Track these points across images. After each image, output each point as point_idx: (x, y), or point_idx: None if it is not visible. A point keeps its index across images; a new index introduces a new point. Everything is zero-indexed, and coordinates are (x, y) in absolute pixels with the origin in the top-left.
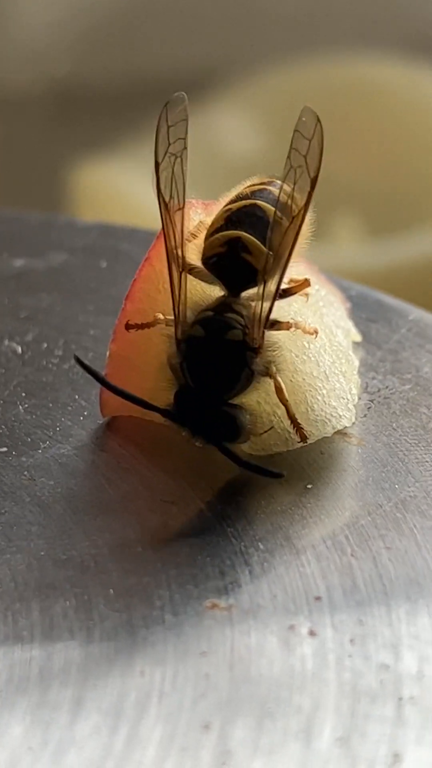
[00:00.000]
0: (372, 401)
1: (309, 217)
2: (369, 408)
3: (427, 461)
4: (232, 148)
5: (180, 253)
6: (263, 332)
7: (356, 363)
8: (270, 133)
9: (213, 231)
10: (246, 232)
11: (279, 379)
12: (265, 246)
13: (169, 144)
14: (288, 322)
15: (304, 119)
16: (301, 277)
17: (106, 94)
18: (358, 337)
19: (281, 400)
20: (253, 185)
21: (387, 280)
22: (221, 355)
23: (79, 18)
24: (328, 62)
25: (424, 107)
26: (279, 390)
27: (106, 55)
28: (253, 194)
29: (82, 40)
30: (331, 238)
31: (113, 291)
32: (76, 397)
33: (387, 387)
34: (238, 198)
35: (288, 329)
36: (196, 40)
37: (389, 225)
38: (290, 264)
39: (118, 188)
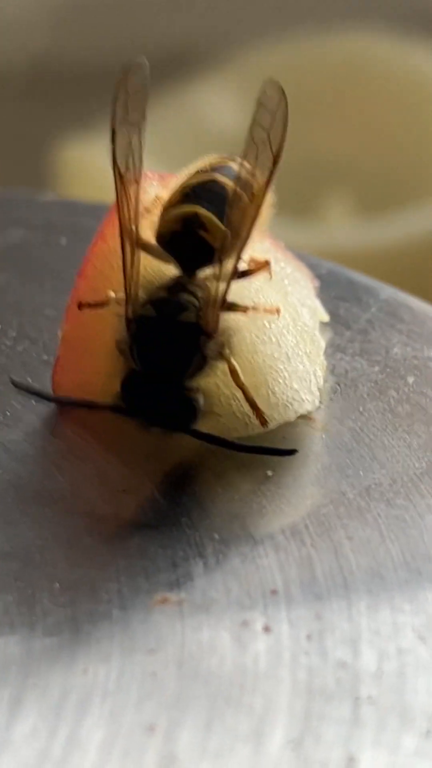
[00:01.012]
0: (338, 384)
1: (270, 195)
2: (335, 391)
3: (393, 447)
4: (218, 125)
5: (134, 228)
6: (218, 315)
7: (323, 344)
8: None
9: (169, 206)
10: (204, 208)
11: (233, 362)
12: (223, 223)
13: (128, 112)
14: (246, 306)
15: (267, 92)
16: (262, 258)
17: (86, 69)
18: (325, 317)
19: (237, 384)
20: (213, 161)
21: (378, 259)
22: (172, 338)
23: None
24: (318, 38)
25: (417, 83)
26: (234, 373)
27: (87, 30)
28: (212, 169)
29: (61, 13)
30: (322, 216)
31: (72, 269)
32: (29, 379)
33: (355, 369)
34: (198, 173)
35: (245, 312)
36: (182, 14)
37: (381, 203)
38: (250, 243)
39: (99, 165)
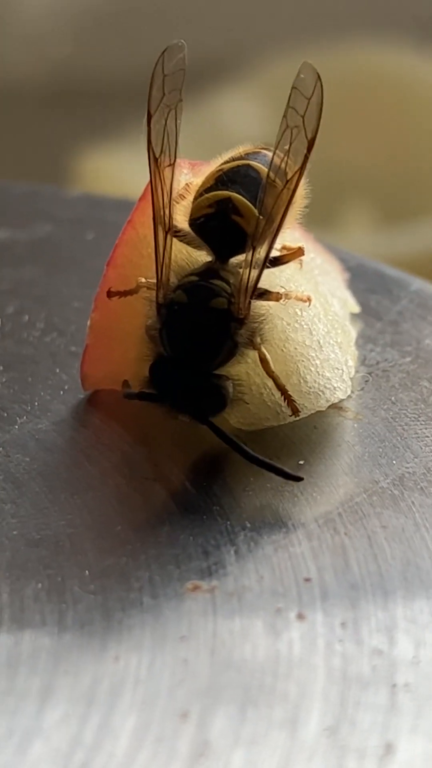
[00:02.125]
0: (370, 374)
1: (304, 182)
2: (367, 381)
3: (426, 436)
4: (239, 133)
5: (167, 212)
6: (249, 302)
7: (353, 334)
8: (278, 121)
9: (202, 191)
10: (237, 192)
11: (264, 350)
12: (256, 208)
13: (164, 95)
14: (278, 293)
15: (303, 76)
16: (294, 245)
17: (107, 79)
18: (356, 308)
19: (267, 373)
20: (248, 149)
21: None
22: (203, 324)
23: (82, 3)
24: (337, 49)
25: None
26: (264, 362)
27: (108, 41)
28: (247, 156)
29: (83, 25)
30: (341, 225)
31: (99, 263)
32: (57, 370)
33: (386, 359)
34: (231, 160)
35: (278, 300)
36: (202, 26)
37: (399, 212)
38: (283, 230)
39: (119, 176)
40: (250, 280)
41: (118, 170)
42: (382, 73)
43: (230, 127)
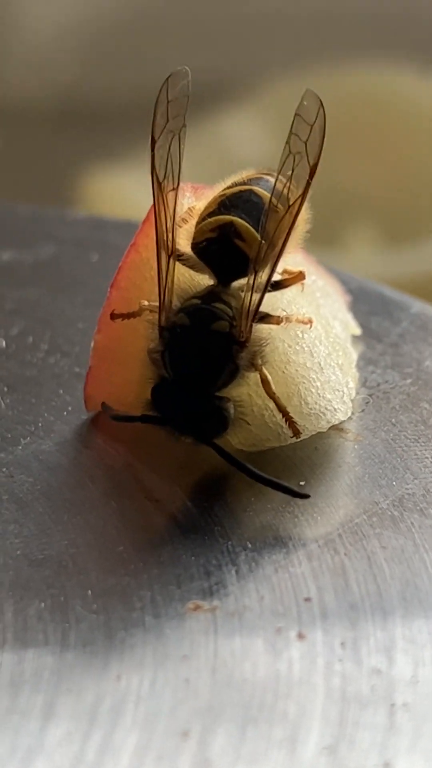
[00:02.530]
0: (371, 396)
1: (306, 207)
2: (367, 403)
3: (426, 458)
4: (244, 155)
5: (170, 236)
6: (251, 325)
7: (354, 356)
8: (281, 142)
9: (205, 216)
10: (239, 217)
11: (265, 371)
12: (258, 233)
13: (168, 120)
14: (279, 317)
15: (306, 103)
16: (296, 269)
17: (113, 102)
18: (357, 330)
19: (268, 394)
20: (250, 174)
21: (402, 290)
22: (204, 347)
23: (86, 26)
24: (340, 70)
25: None
26: (265, 383)
27: (113, 64)
28: (249, 181)
29: (88, 48)
30: (344, 246)
31: (103, 284)
32: (60, 392)
33: (387, 381)
34: (234, 185)
35: (278, 324)
36: (205, 48)
37: (402, 234)
38: (285, 255)
39: (124, 197)
40: (252, 304)
41: (122, 192)
42: (384, 95)
43: (233, 150)
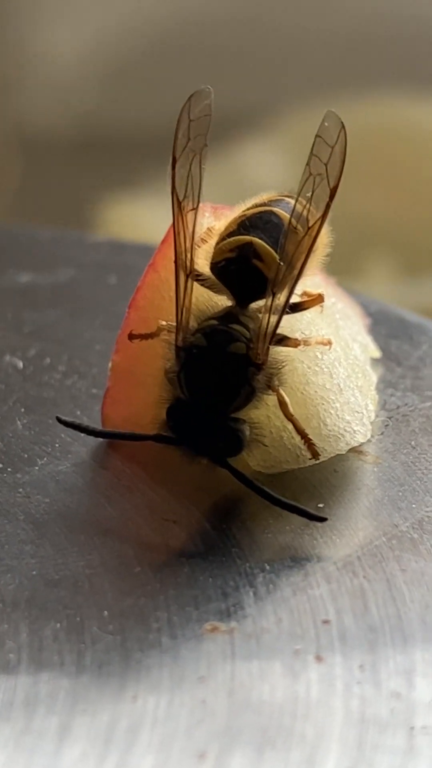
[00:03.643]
0: (390, 418)
1: (327, 230)
2: (387, 425)
3: None
4: (262, 186)
5: (188, 255)
6: (268, 348)
7: (374, 379)
8: (300, 172)
9: (225, 236)
10: (259, 238)
11: (283, 393)
12: (277, 254)
13: (189, 140)
14: (297, 339)
15: (327, 124)
16: (315, 291)
17: (133, 131)
18: (377, 353)
19: (286, 416)
20: (271, 196)
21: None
22: (221, 368)
23: (107, 55)
24: (360, 100)
25: None
26: (283, 405)
27: (134, 92)
28: (270, 203)
29: (109, 76)
30: (363, 275)
31: (121, 307)
32: (78, 413)
33: (406, 404)
34: (254, 206)
35: (296, 347)
36: (224, 78)
37: (422, 263)
38: (304, 276)
39: (142, 225)
40: (269, 326)
41: (141, 219)
42: (404, 125)
43: (252, 179)
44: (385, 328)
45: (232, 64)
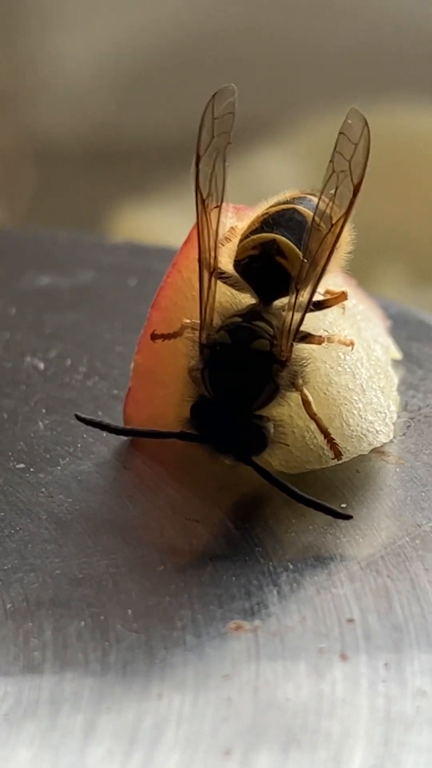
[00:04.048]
0: (412, 419)
1: (350, 227)
2: (408, 426)
3: None
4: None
5: (212, 253)
6: (291, 345)
7: (395, 380)
8: (317, 181)
9: (248, 234)
10: (282, 235)
11: (306, 392)
12: (301, 251)
13: (213, 137)
14: (320, 336)
15: (350, 122)
16: (338, 290)
17: (148, 139)
18: (398, 355)
19: (310, 415)
20: (294, 194)
21: None
22: (245, 365)
23: (121, 64)
24: (375, 109)
25: None
26: (307, 404)
27: (148, 101)
28: (293, 200)
29: (124, 86)
30: (377, 285)
31: (142, 309)
32: (100, 413)
33: (428, 405)
34: (277, 204)
35: (320, 344)
36: (238, 87)
37: None
38: (327, 274)
39: (157, 233)
40: (293, 323)
41: (154, 226)
42: (418, 135)
43: (267, 187)
44: (406, 330)
45: (244, 74)
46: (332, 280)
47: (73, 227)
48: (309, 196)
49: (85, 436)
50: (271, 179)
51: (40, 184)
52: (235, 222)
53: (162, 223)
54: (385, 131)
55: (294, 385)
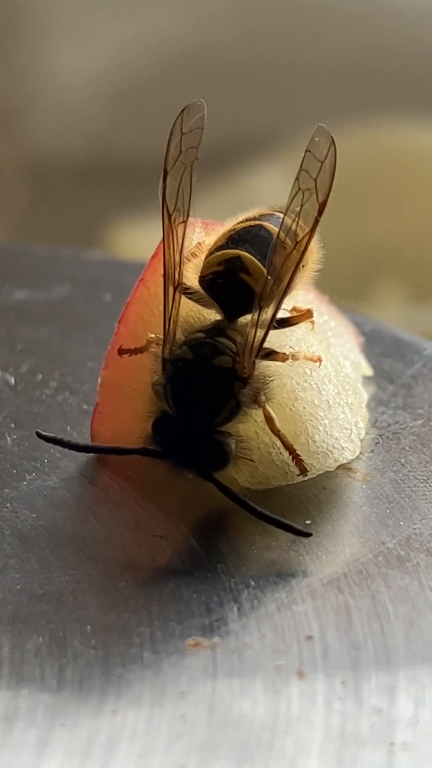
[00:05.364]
0: (381, 436)
1: (317, 247)
2: (377, 443)
3: None
4: None
5: (177, 268)
6: (254, 362)
7: (365, 396)
8: None
9: (214, 250)
10: (247, 251)
11: (269, 409)
12: (265, 268)
13: (181, 152)
14: (284, 354)
15: (317, 139)
16: (304, 307)
17: (142, 154)
18: (369, 371)
19: (273, 432)
20: (262, 211)
21: None
22: (206, 381)
23: (116, 80)
24: (370, 126)
25: None
26: (270, 420)
27: (141, 117)
28: (261, 217)
29: (118, 100)
30: (373, 302)
31: (116, 324)
32: (68, 428)
33: (397, 422)
34: (245, 220)
35: (284, 361)
36: (233, 104)
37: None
38: (292, 291)
39: (149, 250)
40: (256, 340)
41: (148, 243)
42: (412, 151)
43: (259, 202)
44: (379, 346)
45: (241, 90)
46: (302, 297)
47: (68, 243)
48: (278, 213)
49: (52, 451)
50: (266, 196)
51: (34, 200)
52: (202, 237)
53: (156, 238)
54: (383, 149)
55: (257, 402)
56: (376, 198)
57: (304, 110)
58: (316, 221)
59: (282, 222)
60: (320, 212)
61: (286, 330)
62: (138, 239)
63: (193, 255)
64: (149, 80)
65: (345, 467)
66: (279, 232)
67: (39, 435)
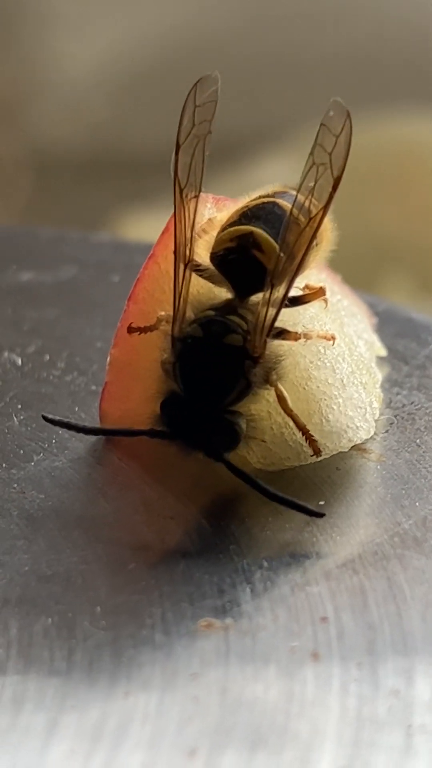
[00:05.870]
0: (395, 417)
1: (332, 225)
2: (392, 424)
3: None
4: None
5: (188, 244)
6: (265, 341)
7: (379, 377)
8: None
9: (226, 226)
10: (260, 228)
11: (281, 388)
12: (278, 244)
13: (194, 125)
14: (297, 333)
15: (332, 113)
16: (317, 285)
17: (145, 146)
18: (382, 352)
19: (286, 411)
20: (276, 189)
21: None
22: (216, 360)
23: (120, 71)
24: (378, 119)
25: None
26: (282, 400)
27: (145, 108)
28: (274, 194)
29: (121, 93)
30: (380, 293)
31: (124, 304)
32: (76, 408)
33: (412, 403)
34: (258, 197)
35: (296, 340)
36: (239, 95)
37: None
38: (304, 268)
39: (153, 241)
40: (267, 319)
41: (152, 233)
42: (421, 144)
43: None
44: (393, 326)
45: (245, 80)
46: (314, 276)
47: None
48: (291, 191)
49: (60, 432)
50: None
51: (38, 191)
52: (214, 213)
53: (160, 228)
54: (390, 140)
55: (268, 381)
56: (383, 189)
57: (309, 102)
58: (331, 196)
59: (295, 198)
60: (335, 187)
61: (300, 308)
62: (140, 228)
63: (204, 231)
64: (152, 70)
65: (359, 448)
66: (292, 209)
67: (45, 418)
